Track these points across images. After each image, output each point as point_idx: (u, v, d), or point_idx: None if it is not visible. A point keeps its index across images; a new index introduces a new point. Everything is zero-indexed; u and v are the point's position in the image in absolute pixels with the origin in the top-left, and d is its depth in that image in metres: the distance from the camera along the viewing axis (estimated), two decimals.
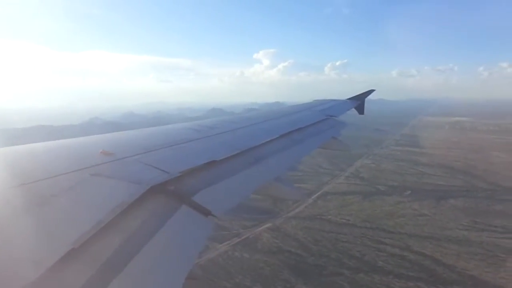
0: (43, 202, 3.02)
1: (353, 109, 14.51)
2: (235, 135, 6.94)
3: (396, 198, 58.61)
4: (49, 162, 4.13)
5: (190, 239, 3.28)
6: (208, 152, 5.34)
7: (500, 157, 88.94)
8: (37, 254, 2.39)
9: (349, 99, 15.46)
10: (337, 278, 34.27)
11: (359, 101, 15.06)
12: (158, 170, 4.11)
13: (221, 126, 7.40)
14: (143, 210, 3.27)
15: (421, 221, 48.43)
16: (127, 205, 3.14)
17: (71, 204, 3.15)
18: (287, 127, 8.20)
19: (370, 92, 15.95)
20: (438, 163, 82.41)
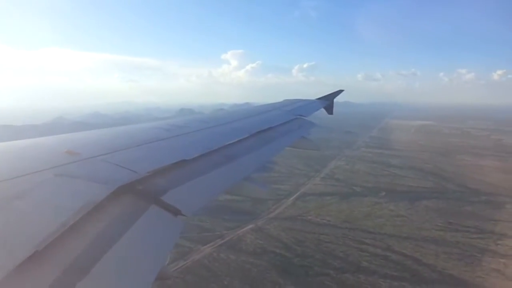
0: (5, 203, 2.91)
1: (322, 109, 14.69)
2: (204, 134, 6.93)
3: (372, 199, 59.99)
4: (12, 162, 3.99)
5: (160, 239, 3.26)
6: (178, 152, 5.33)
7: (465, 160, 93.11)
8: None
9: (318, 99, 15.69)
10: (324, 279, 34.58)
11: (328, 101, 15.31)
12: (126, 170, 4.03)
13: (191, 125, 7.37)
14: (110, 210, 3.21)
15: (398, 221, 49.79)
16: (93, 206, 3.06)
17: (35, 205, 3.01)
18: (257, 127, 8.23)
19: (338, 92, 16.24)
20: (409, 166, 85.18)
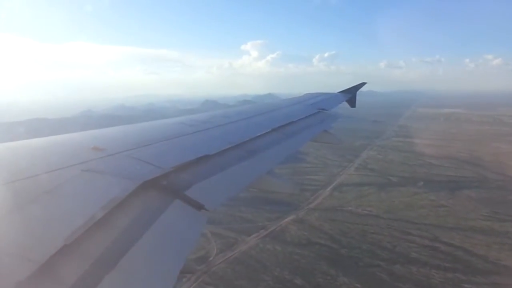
0: (35, 198, 2.99)
1: (345, 102, 14.46)
2: (227, 129, 7.04)
3: (411, 189, 59.06)
4: (41, 158, 4.10)
5: (183, 233, 3.29)
6: (201, 147, 5.42)
7: (501, 147, 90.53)
8: (29, 251, 2.36)
9: (340, 92, 15.46)
10: (375, 270, 34.33)
11: (350, 94, 15.02)
12: (150, 165, 4.10)
13: (214, 120, 7.46)
14: (135, 205, 3.24)
15: (441, 212, 48.86)
16: (119, 201, 3.11)
17: (63, 200, 3.11)
18: (279, 121, 8.31)
19: (361, 85, 15.89)
20: (443, 155, 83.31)
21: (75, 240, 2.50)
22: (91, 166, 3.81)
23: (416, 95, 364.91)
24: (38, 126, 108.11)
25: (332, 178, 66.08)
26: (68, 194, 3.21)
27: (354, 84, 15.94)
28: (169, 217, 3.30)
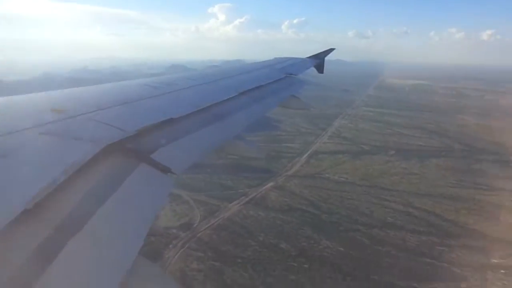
0: None
1: (313, 68, 14.82)
2: (193, 92, 6.98)
3: (383, 157, 61.19)
4: None
5: (150, 196, 3.33)
6: (166, 110, 5.36)
7: (465, 119, 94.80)
8: None
9: (309, 57, 15.68)
10: (355, 234, 35.82)
11: (319, 60, 15.32)
12: (114, 128, 4.03)
13: (179, 83, 7.37)
14: (99, 169, 3.22)
15: (413, 179, 51.19)
16: (81, 165, 3.05)
17: (21, 165, 2.98)
18: (247, 85, 8.33)
19: (330, 51, 16.19)
20: (412, 125, 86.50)
21: (36, 205, 2.44)
22: (51, 128, 3.66)
23: (383, 65, 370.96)
24: None
25: (307, 146, 67.12)
26: (25, 158, 3.06)
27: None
28: (135, 180, 3.30)
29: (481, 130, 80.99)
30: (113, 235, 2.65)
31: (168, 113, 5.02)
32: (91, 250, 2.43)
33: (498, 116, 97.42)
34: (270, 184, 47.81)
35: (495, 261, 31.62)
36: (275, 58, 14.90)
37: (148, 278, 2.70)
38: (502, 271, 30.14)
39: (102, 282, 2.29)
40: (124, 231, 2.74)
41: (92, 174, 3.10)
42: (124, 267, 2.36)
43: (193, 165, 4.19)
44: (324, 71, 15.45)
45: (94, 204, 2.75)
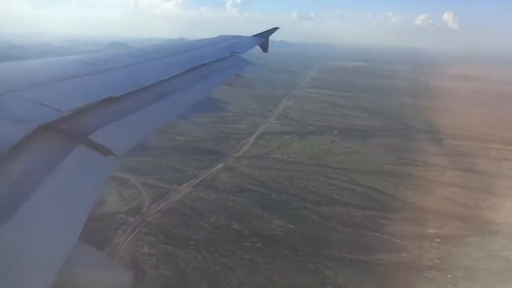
0: None
1: (258, 47, 15.16)
2: (134, 70, 6.69)
3: (328, 137, 63.45)
4: None
5: (89, 180, 3.18)
6: (105, 88, 5.09)
7: (402, 100, 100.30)
8: None
9: (253, 35, 16.04)
10: (304, 211, 37.07)
11: (263, 39, 15.67)
12: (46, 107, 3.76)
13: (118, 60, 6.98)
14: (31, 151, 2.97)
15: (356, 157, 53.75)
16: (11, 147, 2.84)
17: None
18: (191, 63, 8.21)
19: (274, 30, 16.60)
20: (354, 105, 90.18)
21: None
22: None
23: (326, 47, 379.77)
24: None
25: (255, 127, 67.62)
26: None
27: None
28: (72, 163, 3.08)
29: (416, 110, 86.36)
30: (50, 222, 2.45)
31: (107, 92, 4.70)
32: (25, 240, 2.18)
33: (429, 97, 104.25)
34: (220, 165, 47.73)
35: (431, 231, 34.39)
36: (220, 36, 14.71)
37: (91, 264, 2.55)
38: (437, 240, 32.91)
39: (37, 273, 2.08)
40: (63, 218, 2.57)
41: (22, 158, 2.82)
42: (62, 255, 2.17)
43: (137, 146, 3.98)
44: (269, 52, 15.55)
45: (26, 190, 2.50)
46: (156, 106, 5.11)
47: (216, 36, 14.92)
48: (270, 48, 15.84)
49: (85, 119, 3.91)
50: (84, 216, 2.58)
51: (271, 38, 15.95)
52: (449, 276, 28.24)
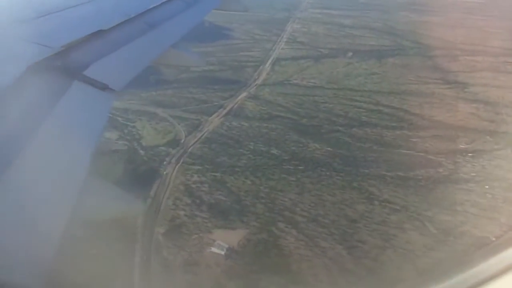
0: None
1: None
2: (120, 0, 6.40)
3: (343, 60, 62.48)
4: None
5: (91, 116, 3.16)
6: (93, 21, 4.90)
7: (409, 16, 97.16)
8: None
9: None
10: (337, 134, 38.10)
11: None
12: (36, 45, 3.58)
13: None
14: (27, 91, 2.85)
15: (376, 79, 53.64)
16: (5, 88, 2.72)
17: None
18: None
19: None
20: (361, 25, 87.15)
21: None
22: None
23: None
24: None
25: (267, 53, 66.06)
26: None
27: None
28: (71, 100, 3.01)
29: (426, 26, 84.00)
30: (58, 154, 2.43)
31: (96, 25, 4.46)
32: (36, 176, 2.20)
33: (439, 11, 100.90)
34: (243, 94, 47.68)
35: (462, 146, 35.76)
36: None
37: (102, 195, 2.60)
38: (470, 154, 34.32)
39: (55, 205, 2.13)
40: (69, 153, 2.52)
41: (20, 97, 2.68)
42: (74, 189, 2.21)
43: (133, 80, 3.92)
44: None
45: (30, 129, 2.45)
46: (147, 37, 4.91)
47: None
48: None
49: (77, 54, 3.76)
50: (91, 150, 2.57)
51: None
52: (487, 187, 29.99)
